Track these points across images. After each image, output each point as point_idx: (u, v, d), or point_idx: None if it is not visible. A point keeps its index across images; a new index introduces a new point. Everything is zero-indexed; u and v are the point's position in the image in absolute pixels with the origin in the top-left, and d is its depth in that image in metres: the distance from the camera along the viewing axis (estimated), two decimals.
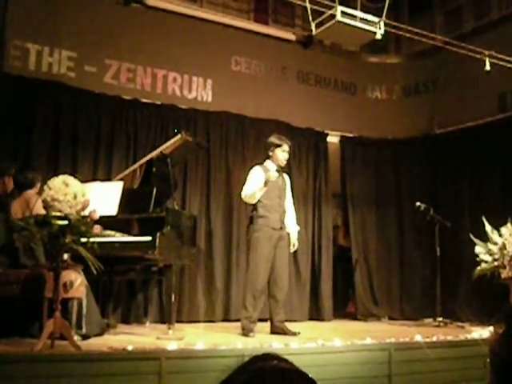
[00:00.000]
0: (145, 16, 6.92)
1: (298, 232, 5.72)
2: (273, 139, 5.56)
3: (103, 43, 6.63)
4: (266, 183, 5.27)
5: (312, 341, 4.38)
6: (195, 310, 6.70)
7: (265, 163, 5.55)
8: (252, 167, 5.59)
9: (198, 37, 7.19)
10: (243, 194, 5.44)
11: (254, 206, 5.39)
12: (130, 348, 3.73)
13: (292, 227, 5.63)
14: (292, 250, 5.65)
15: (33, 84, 6.12)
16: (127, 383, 3.45)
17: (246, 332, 5.13)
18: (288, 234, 5.58)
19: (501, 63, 6.51)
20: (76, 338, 4.13)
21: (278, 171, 5.51)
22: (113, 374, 3.42)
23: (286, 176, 5.75)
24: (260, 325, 5.39)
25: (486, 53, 6.46)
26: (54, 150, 6.20)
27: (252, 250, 5.36)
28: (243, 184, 5.50)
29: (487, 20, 7.73)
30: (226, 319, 6.79)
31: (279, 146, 5.49)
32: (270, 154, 5.53)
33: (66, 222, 3.67)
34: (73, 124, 6.36)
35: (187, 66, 7.13)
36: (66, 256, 3.78)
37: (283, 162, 5.55)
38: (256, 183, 5.37)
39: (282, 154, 5.50)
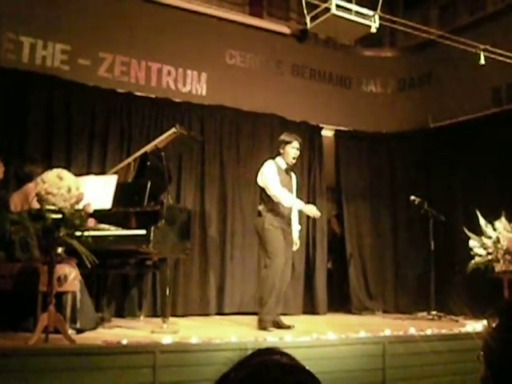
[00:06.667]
0: (139, 9, 6.88)
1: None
2: (283, 137, 5.61)
3: (97, 36, 6.59)
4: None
5: (306, 334, 4.38)
6: (190, 304, 6.70)
7: (276, 159, 5.57)
8: (265, 160, 5.57)
9: (193, 30, 7.16)
10: (276, 194, 5.32)
11: (268, 200, 5.37)
12: (124, 342, 3.73)
13: (294, 226, 5.66)
14: (294, 248, 5.67)
15: (26, 77, 6.09)
16: (122, 377, 3.45)
17: (265, 325, 5.11)
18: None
19: (495, 57, 6.51)
20: (70, 331, 4.13)
21: (287, 169, 5.57)
22: (107, 367, 3.42)
23: (293, 175, 5.77)
24: (253, 318, 5.39)
25: (481, 46, 6.46)
26: (47, 144, 6.18)
27: (268, 244, 5.32)
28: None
29: (482, 14, 7.73)
30: (220, 313, 6.80)
31: (289, 142, 5.52)
32: (281, 151, 5.56)
33: (59, 216, 3.66)
34: (67, 117, 6.33)
35: (182, 59, 7.10)
36: (59, 250, 3.76)
37: (292, 159, 5.55)
38: (278, 181, 5.38)
39: (292, 151, 5.52)
